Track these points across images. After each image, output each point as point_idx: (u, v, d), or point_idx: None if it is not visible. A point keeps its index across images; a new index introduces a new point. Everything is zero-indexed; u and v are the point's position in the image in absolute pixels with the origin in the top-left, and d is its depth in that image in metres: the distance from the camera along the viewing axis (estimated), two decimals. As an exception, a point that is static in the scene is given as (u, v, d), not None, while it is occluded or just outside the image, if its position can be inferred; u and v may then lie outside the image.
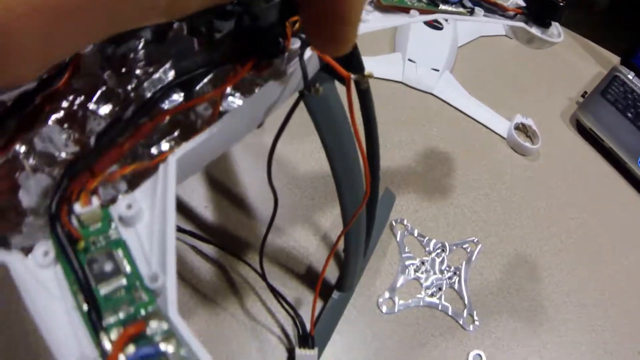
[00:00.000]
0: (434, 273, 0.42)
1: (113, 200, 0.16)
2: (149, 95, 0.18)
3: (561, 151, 0.59)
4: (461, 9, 0.31)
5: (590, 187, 0.56)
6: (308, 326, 0.35)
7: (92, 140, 0.17)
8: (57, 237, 0.13)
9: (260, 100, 0.19)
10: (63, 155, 0.18)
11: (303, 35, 0.21)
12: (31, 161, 0.17)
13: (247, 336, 0.36)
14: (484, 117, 0.59)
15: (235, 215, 0.43)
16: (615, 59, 0.78)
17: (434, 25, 0.68)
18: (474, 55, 0.70)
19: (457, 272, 0.42)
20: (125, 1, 0.10)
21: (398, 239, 0.44)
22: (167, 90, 0.18)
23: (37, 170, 0.17)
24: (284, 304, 0.35)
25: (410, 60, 0.63)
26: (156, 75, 0.21)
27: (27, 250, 0.13)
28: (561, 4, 0.33)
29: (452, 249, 0.44)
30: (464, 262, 0.43)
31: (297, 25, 0.22)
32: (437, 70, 0.62)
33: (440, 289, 0.41)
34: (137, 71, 0.21)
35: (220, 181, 0.46)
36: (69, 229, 0.13)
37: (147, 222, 0.15)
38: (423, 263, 0.42)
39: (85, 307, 0.12)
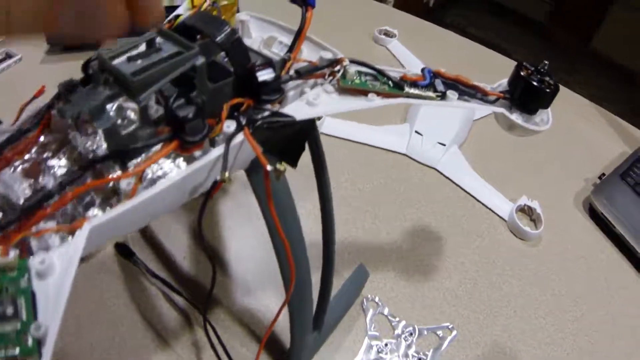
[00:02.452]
0: (398, 356, 0.43)
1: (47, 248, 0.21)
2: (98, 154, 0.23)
3: (567, 237, 0.61)
4: (430, 93, 0.32)
5: (594, 277, 0.57)
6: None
7: (21, 203, 0.21)
8: None
9: (181, 182, 0.23)
10: (21, 201, 0.23)
11: (243, 119, 0.25)
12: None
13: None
14: (486, 197, 0.62)
15: (209, 270, 0.47)
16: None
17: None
18: (489, 130, 0.73)
19: (423, 359, 0.44)
20: None
21: (368, 316, 0.46)
22: (101, 162, 0.22)
23: None
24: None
25: (417, 132, 0.67)
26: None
27: None
28: (547, 90, 0.34)
29: (423, 333, 0.46)
30: (432, 349, 0.45)
31: (244, 106, 0.26)
32: (444, 145, 0.66)
33: (400, 373, 0.42)
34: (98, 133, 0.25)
35: (203, 235, 0.51)
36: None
37: (56, 278, 0.19)
38: (387, 345, 0.44)
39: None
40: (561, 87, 0.91)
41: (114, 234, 0.22)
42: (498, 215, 0.61)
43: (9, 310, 0.18)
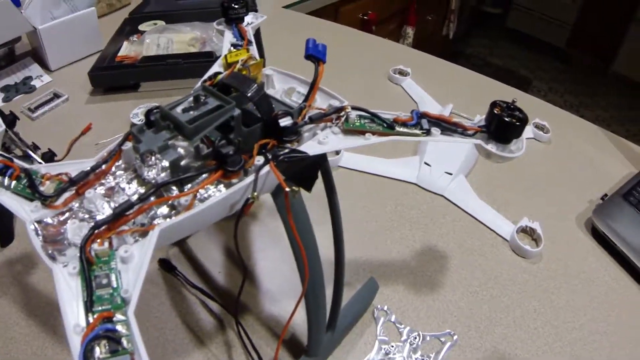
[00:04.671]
0: (404, 357, 0.51)
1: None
2: (162, 179, 0.32)
3: (568, 255, 0.67)
4: (416, 131, 0.40)
5: (594, 292, 0.62)
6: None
7: (111, 211, 0.31)
8: (81, 260, 0.26)
9: (224, 200, 0.32)
10: (100, 214, 0.32)
11: (269, 155, 0.34)
12: (80, 214, 0.31)
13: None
14: (489, 220, 0.69)
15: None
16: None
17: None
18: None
19: (427, 360, 0.51)
20: None
21: (378, 324, 0.54)
22: (164, 185, 0.32)
23: (83, 220, 0.30)
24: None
25: (426, 163, 0.75)
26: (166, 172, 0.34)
27: (64, 264, 0.27)
28: (517, 123, 0.40)
29: (426, 338, 0.53)
30: (435, 352, 0.52)
31: (270, 145, 0.35)
32: (451, 174, 0.74)
33: (405, 372, 0.50)
34: (158, 164, 0.35)
35: (237, 254, 0.60)
36: (88, 257, 0.26)
37: (136, 262, 0.28)
38: (393, 347, 0.51)
39: (86, 299, 0.25)
40: (568, 113, 0.99)
41: (175, 236, 0.31)
42: (501, 236, 0.68)
43: (104, 281, 0.27)
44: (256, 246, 0.62)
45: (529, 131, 0.87)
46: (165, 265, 0.57)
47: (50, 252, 0.29)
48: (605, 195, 0.75)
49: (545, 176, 0.80)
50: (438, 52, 1.14)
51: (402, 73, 1.00)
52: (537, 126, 0.89)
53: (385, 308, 0.56)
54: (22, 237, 0.63)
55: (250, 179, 0.32)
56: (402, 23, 2.18)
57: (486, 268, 0.63)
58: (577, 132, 0.92)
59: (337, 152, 0.76)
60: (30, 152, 0.71)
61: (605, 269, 0.66)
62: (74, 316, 0.25)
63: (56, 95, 0.93)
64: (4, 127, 0.40)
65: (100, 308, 0.26)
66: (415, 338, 0.53)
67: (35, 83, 0.98)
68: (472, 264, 0.63)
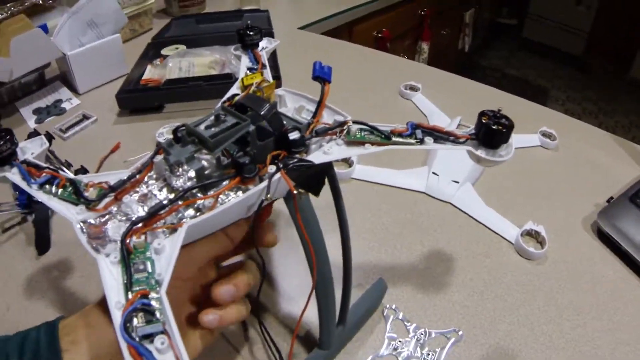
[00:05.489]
0: (411, 353, 0.55)
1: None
2: (188, 185, 0.38)
3: (573, 256, 0.70)
4: (411, 140, 0.45)
5: (599, 291, 0.65)
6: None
7: (146, 212, 0.36)
8: (122, 250, 0.32)
9: (242, 202, 0.37)
10: (135, 216, 0.38)
11: (280, 164, 0.40)
12: (118, 216, 0.37)
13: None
14: (495, 224, 0.73)
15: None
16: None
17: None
18: (503, 166, 0.84)
19: (433, 356, 0.55)
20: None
21: (387, 322, 0.59)
22: (190, 190, 0.37)
23: (121, 221, 0.36)
24: (275, 353, 0.52)
25: (434, 173, 0.80)
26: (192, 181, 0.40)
27: (106, 254, 0.33)
28: (503, 130, 0.44)
29: (432, 335, 0.58)
30: (440, 348, 0.56)
31: (281, 156, 0.41)
32: (457, 182, 0.78)
33: (412, 365, 0.54)
34: (185, 174, 0.40)
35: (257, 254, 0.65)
36: (128, 247, 0.32)
37: (167, 253, 0.34)
38: (401, 342, 0.56)
39: (126, 281, 0.31)
40: (575, 120, 1.04)
41: (199, 233, 0.37)
42: (506, 240, 0.72)
43: (141, 267, 0.33)
44: (273, 251, 0.67)
45: (535, 139, 0.91)
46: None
47: (94, 245, 0.35)
48: (611, 197, 0.77)
49: (552, 182, 0.84)
50: (454, 65, 1.19)
51: (412, 88, 1.05)
52: (544, 134, 0.92)
53: (394, 307, 0.60)
54: (58, 246, 0.70)
55: (264, 184, 0.38)
56: (416, 39, 2.24)
57: (491, 269, 0.67)
58: (585, 138, 0.96)
59: (350, 165, 0.81)
60: (65, 169, 0.78)
61: (610, 269, 0.69)
62: (116, 295, 0.31)
63: (85, 117, 1.00)
64: (47, 144, 0.46)
65: (137, 288, 0.31)
66: (422, 334, 0.57)
67: (65, 105, 1.06)
68: (478, 265, 0.68)
